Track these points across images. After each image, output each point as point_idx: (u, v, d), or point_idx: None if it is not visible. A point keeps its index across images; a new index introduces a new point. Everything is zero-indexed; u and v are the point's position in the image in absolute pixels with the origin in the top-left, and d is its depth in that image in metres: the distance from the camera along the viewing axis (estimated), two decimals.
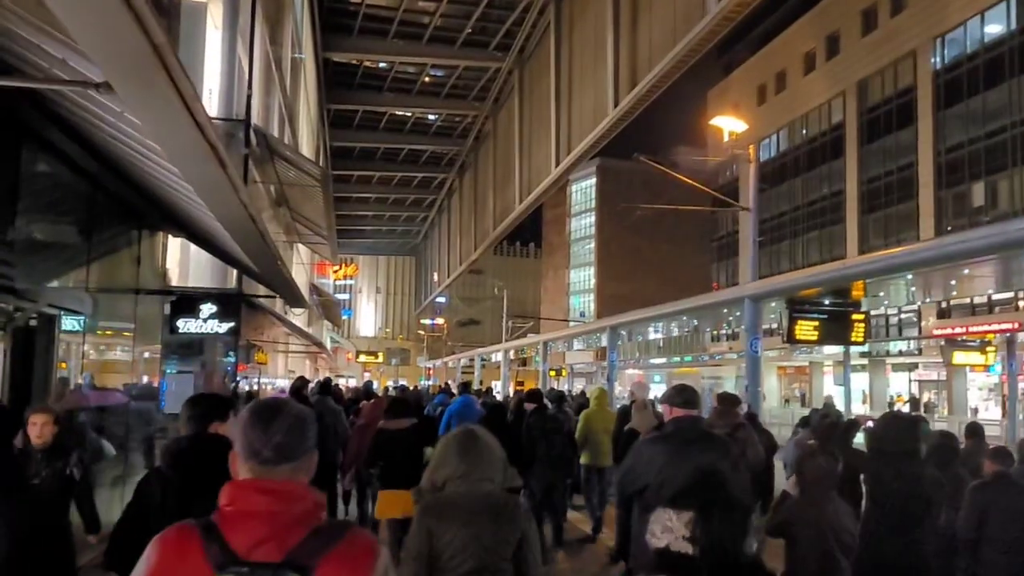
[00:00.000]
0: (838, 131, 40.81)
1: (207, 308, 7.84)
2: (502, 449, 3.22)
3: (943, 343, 26.12)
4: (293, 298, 9.08)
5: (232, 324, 7.96)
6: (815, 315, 12.38)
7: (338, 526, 1.74)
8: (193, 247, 12.84)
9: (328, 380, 10.53)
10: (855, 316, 12.59)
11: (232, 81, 14.17)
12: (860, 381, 37.34)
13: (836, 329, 12.56)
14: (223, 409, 3.27)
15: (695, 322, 36.93)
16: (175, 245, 12.16)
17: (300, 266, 25.81)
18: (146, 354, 7.86)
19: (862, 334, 12.60)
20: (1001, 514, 4.31)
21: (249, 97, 13.89)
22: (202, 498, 2.75)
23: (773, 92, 46.65)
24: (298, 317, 25.62)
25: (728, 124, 18.61)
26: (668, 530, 1.84)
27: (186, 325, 7.87)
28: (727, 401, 6.91)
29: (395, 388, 24.55)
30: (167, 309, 8.30)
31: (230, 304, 8.08)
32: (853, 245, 38.40)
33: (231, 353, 13.65)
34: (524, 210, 29.66)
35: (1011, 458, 4.90)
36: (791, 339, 12.36)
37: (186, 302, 8.01)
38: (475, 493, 2.99)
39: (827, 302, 12.41)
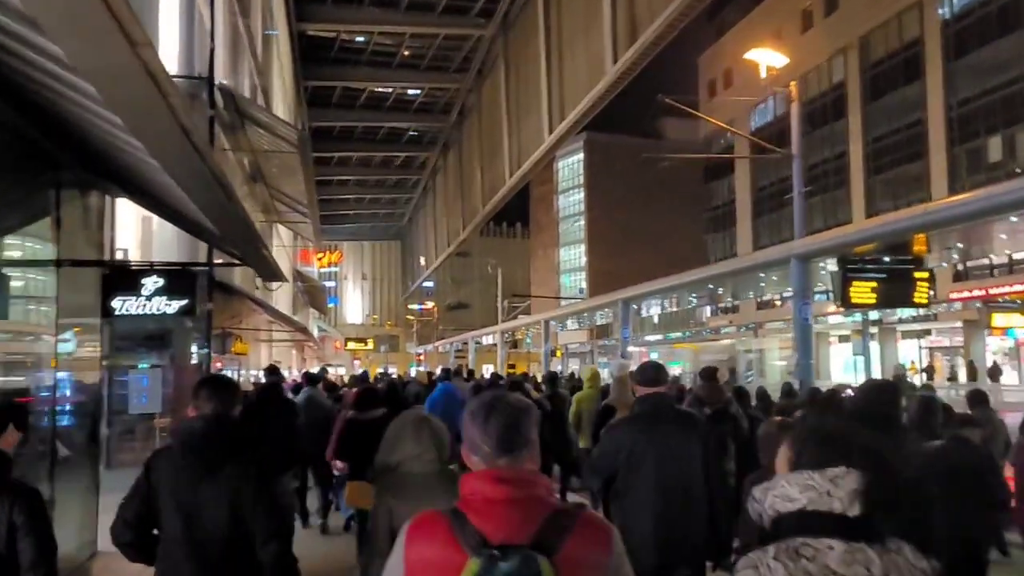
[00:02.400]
0: (839, 90, 39.19)
1: (151, 283, 6.11)
2: (447, 431, 3.48)
3: (979, 305, 24.68)
4: (266, 268, 7.37)
5: (185, 302, 6.22)
6: (872, 275, 10.82)
7: (571, 509, 1.83)
8: (156, 220, 11.18)
9: (309, 372, 9.23)
10: (918, 274, 11.02)
11: (192, 36, 12.48)
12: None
13: (896, 290, 11.00)
14: (238, 392, 3.30)
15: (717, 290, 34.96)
16: (132, 217, 10.50)
17: (281, 249, 24.05)
18: (79, 344, 6.20)
19: (926, 294, 11.03)
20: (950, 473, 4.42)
21: (212, 51, 12.18)
22: (212, 480, 2.97)
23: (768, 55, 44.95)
24: (279, 296, 23.94)
25: (765, 58, 16.90)
26: (809, 488, 1.76)
27: (124, 305, 6.13)
28: (712, 377, 6.87)
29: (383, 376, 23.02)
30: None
31: (181, 277, 6.35)
32: (859, 208, 36.95)
33: (205, 345, 12.04)
34: (515, 185, 28.21)
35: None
36: (846, 303, 10.81)
37: (123, 276, 6.27)
38: (427, 472, 3.27)
39: (886, 260, 10.85)
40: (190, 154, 3.21)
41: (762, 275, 17.77)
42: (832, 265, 12.62)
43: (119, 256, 8.66)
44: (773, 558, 1.74)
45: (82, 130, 4.79)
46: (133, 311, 6.08)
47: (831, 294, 11.62)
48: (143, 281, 6.12)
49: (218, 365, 13.91)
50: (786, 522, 1.79)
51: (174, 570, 3.03)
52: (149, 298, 6.08)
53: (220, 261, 7.81)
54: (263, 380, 11.02)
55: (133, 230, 11.08)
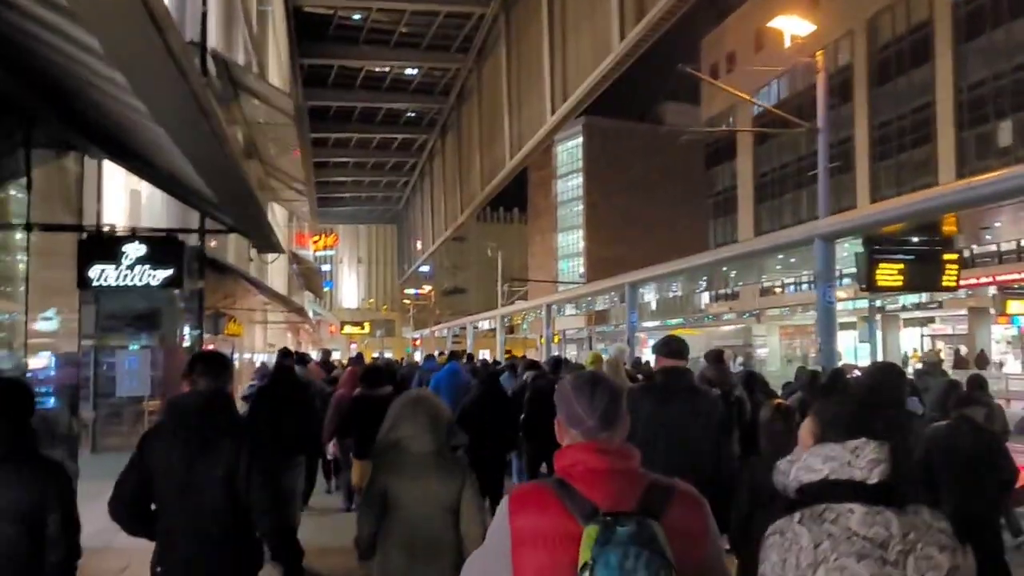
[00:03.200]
0: (845, 74, 38.50)
1: (133, 250, 5.49)
2: (447, 410, 3.68)
3: (994, 291, 24.20)
4: (262, 236, 6.74)
5: (170, 272, 5.59)
6: (899, 256, 10.28)
7: (665, 480, 1.93)
8: (145, 192, 10.61)
9: (285, 349, 8.92)
10: (946, 256, 10.49)
11: (183, 1, 11.84)
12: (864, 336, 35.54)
13: (924, 272, 10.46)
14: (230, 369, 3.29)
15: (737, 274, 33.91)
16: (119, 188, 9.92)
17: (276, 230, 23.39)
18: (52, 321, 5.62)
19: (955, 277, 10.50)
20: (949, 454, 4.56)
21: (204, 15, 11.55)
22: (207, 455, 3.03)
23: (772, 36, 44.21)
24: (273, 278, 23.29)
25: (791, 26, 16.24)
26: (831, 459, 1.86)
27: (103, 275, 5.51)
28: (720, 359, 6.79)
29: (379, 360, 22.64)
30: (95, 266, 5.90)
31: (167, 245, 5.71)
32: (864, 195, 36.45)
33: (196, 325, 11.54)
34: (515, 167, 27.54)
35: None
36: (871, 286, 10.26)
37: (101, 243, 5.64)
38: (423, 451, 3.39)
39: (915, 240, 10.32)
40: (176, 81, 2.64)
41: (780, 257, 17.23)
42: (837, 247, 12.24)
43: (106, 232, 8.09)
44: (798, 523, 1.82)
45: (53, 67, 4.21)
46: (112, 282, 5.45)
47: (855, 276, 11.05)
48: (124, 249, 5.47)
49: (210, 347, 13.40)
50: (809, 490, 1.86)
51: (172, 546, 3.05)
52: (131, 268, 5.44)
53: (212, 229, 7.23)
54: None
55: (121, 203, 10.52)
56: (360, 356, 15.25)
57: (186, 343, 11.74)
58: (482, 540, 3.40)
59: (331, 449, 7.84)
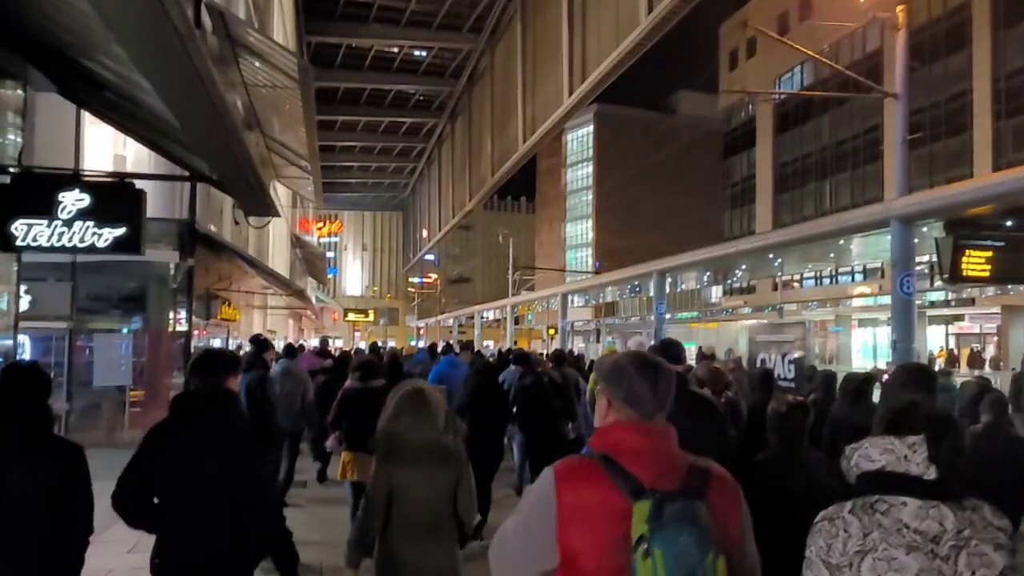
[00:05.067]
0: (874, 59, 36.95)
1: (72, 200, 4.13)
2: (445, 402, 3.83)
3: None
4: (246, 187, 5.37)
5: (122, 231, 4.24)
6: (989, 243, 8.99)
7: (702, 462, 1.94)
8: (131, 159, 9.37)
9: (289, 344, 8.23)
10: None
11: None
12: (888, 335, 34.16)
13: (1015, 261, 9.17)
14: (234, 365, 3.43)
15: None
16: (104, 153, 8.70)
17: (278, 208, 22.15)
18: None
19: None
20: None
21: None
22: (210, 448, 3.09)
23: (797, 20, 42.70)
24: (275, 263, 22.09)
25: None
26: (888, 451, 1.86)
27: (32, 232, 4.19)
28: (710, 358, 6.79)
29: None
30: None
31: (117, 194, 4.33)
32: (891, 186, 35.06)
33: (187, 309, 10.33)
34: (528, 151, 26.53)
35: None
36: (955, 276, 8.97)
37: (28, 189, 4.27)
38: (423, 441, 3.53)
39: (1009, 224, 9.03)
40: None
41: (847, 242, 16.04)
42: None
43: None
44: (849, 512, 1.83)
45: None
46: (45, 242, 4.13)
47: (924, 268, 9.73)
48: (60, 198, 4.13)
49: (213, 343, 12.24)
50: (864, 480, 1.87)
51: (173, 538, 3.08)
52: (68, 223, 4.15)
53: (176, 176, 5.90)
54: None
55: (98, 148, 9.30)
56: (376, 348, 14.54)
57: (181, 327, 10.60)
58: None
59: (330, 443, 7.64)
